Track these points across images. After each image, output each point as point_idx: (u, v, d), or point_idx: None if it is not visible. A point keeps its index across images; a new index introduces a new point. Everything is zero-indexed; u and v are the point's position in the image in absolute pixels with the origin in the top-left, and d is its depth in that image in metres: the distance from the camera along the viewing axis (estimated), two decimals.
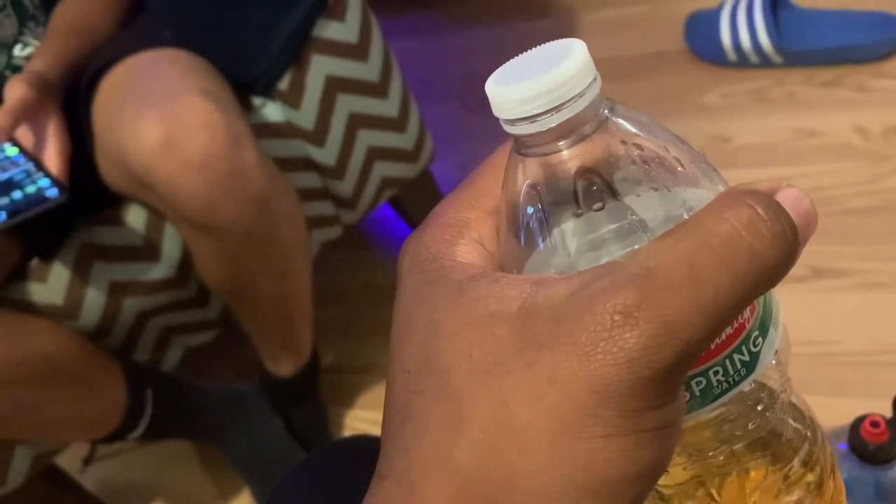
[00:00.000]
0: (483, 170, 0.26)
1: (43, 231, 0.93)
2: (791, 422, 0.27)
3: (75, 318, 0.96)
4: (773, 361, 0.24)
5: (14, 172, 0.82)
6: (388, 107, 1.03)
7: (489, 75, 0.24)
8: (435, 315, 0.22)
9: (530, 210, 0.24)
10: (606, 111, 0.24)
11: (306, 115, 0.99)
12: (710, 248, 0.20)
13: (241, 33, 0.95)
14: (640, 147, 0.24)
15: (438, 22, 1.76)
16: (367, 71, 1.00)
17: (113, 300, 0.97)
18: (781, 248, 0.20)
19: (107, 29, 0.96)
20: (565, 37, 0.25)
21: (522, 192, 0.24)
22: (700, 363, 0.23)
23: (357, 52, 0.98)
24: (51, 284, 0.94)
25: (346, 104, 1.00)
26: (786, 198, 0.21)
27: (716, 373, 0.23)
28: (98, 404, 0.97)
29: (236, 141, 0.84)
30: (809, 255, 1.17)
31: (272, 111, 0.99)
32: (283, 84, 0.97)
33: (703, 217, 0.21)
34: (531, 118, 0.23)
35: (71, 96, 0.90)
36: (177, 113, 0.82)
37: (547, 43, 0.24)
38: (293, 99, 0.98)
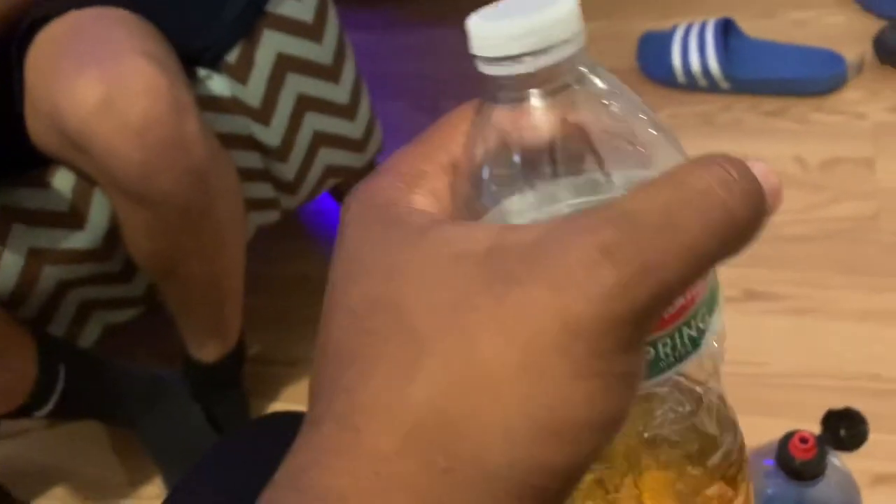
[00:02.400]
0: (440, 126, 0.25)
1: None
2: (707, 426, 0.27)
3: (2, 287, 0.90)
4: (715, 344, 0.24)
5: None
6: (338, 92, 1.01)
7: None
8: (391, 256, 0.21)
9: (499, 162, 0.23)
10: (586, 68, 0.23)
11: (253, 92, 0.96)
12: (686, 198, 0.20)
13: (193, 1, 0.92)
14: (616, 108, 0.23)
15: (394, 19, 1.75)
16: (321, 52, 0.97)
17: (31, 267, 0.92)
18: (751, 207, 0.20)
19: None
20: None
21: (491, 141, 0.23)
22: (652, 333, 0.22)
23: (311, 31, 0.96)
24: None
25: (296, 84, 0.97)
26: (754, 168, 0.21)
27: (664, 345, 0.23)
28: (5, 376, 0.92)
29: (179, 109, 0.81)
30: (743, 277, 1.19)
31: (218, 84, 0.95)
32: (232, 57, 0.94)
33: (679, 171, 0.21)
34: (516, 58, 0.22)
35: (1, 48, 0.85)
36: (119, 73, 0.78)
37: None
38: (241, 74, 0.95)
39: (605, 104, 0.23)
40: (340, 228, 0.23)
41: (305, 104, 0.99)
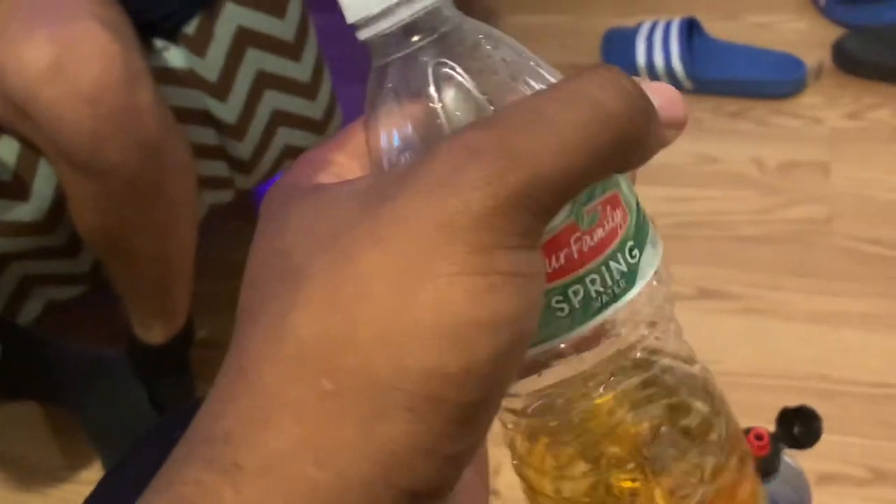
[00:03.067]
0: (352, 124, 0.25)
1: None
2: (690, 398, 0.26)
3: None
4: (655, 282, 0.24)
5: None
6: (299, 70, 0.98)
7: None
8: (284, 219, 0.21)
9: (397, 127, 0.23)
10: (457, 17, 0.23)
11: (211, 66, 0.93)
12: (553, 97, 0.20)
13: None
14: (490, 50, 0.23)
15: None
16: (283, 28, 0.95)
17: None
18: (626, 101, 0.20)
19: None
20: None
21: (384, 100, 0.23)
22: (574, 269, 0.22)
23: (273, 6, 0.93)
24: None
25: (255, 60, 0.95)
26: (647, 84, 0.21)
27: (592, 282, 0.22)
28: None
29: (132, 78, 0.78)
30: (697, 275, 1.20)
31: (174, 56, 0.92)
32: (190, 29, 0.91)
33: (552, 83, 0.21)
34: (386, 11, 0.22)
35: None
36: (70, 37, 0.75)
37: None
38: (199, 46, 0.92)
39: (483, 47, 0.23)
40: (259, 217, 0.23)
41: (265, 81, 0.96)
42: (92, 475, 1.07)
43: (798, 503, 0.74)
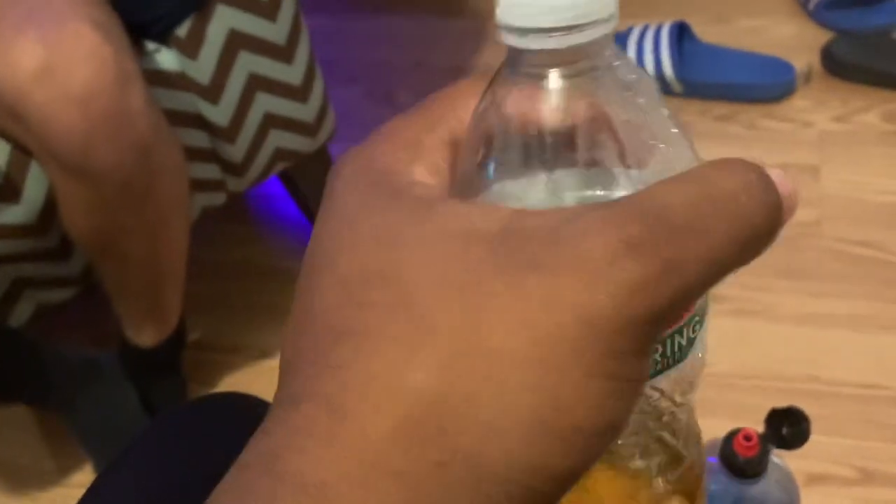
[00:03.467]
0: (440, 98, 0.23)
1: None
2: (675, 440, 0.26)
3: None
4: (700, 354, 0.23)
5: None
6: (291, 73, 0.98)
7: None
8: (393, 227, 0.19)
9: (508, 141, 0.21)
10: (612, 55, 0.22)
11: (202, 68, 0.93)
12: (713, 199, 0.19)
13: None
14: (641, 100, 0.22)
15: (352, 4, 1.72)
16: (275, 31, 0.95)
17: None
18: (770, 218, 0.20)
19: None
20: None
21: (505, 118, 0.21)
22: None
23: (266, 9, 0.93)
24: None
25: (247, 63, 0.95)
26: (771, 174, 0.21)
27: (654, 351, 0.22)
28: None
29: (124, 80, 0.78)
30: None
31: (166, 58, 0.92)
32: (182, 31, 0.91)
33: (704, 171, 0.20)
34: (547, 31, 0.20)
35: None
36: (61, 38, 0.75)
37: None
38: (190, 48, 0.92)
39: (628, 94, 0.22)
40: (329, 192, 0.21)
41: (257, 84, 0.97)
42: (83, 478, 1.07)
43: (787, 502, 0.74)
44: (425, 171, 0.22)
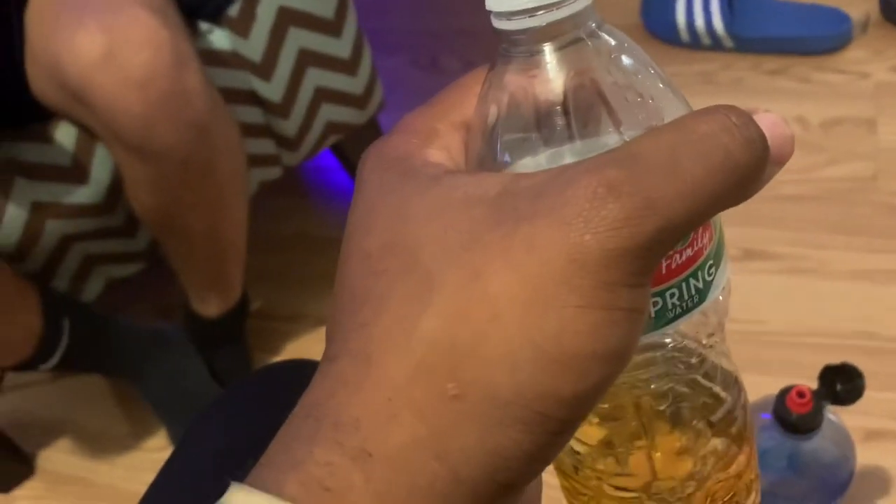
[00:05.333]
0: (453, 87, 0.25)
1: None
2: (711, 383, 0.27)
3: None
4: (720, 298, 0.25)
5: None
6: (340, 46, 1.00)
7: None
8: (405, 203, 0.22)
9: (512, 119, 0.23)
10: (595, 24, 0.23)
11: (254, 46, 0.95)
12: (689, 141, 0.21)
13: None
14: (627, 63, 0.24)
15: None
16: (323, 6, 0.96)
17: (34, 221, 0.92)
18: (751, 152, 0.21)
19: None
20: None
21: (504, 98, 0.24)
22: (660, 282, 0.23)
23: None
24: None
25: (297, 39, 0.97)
26: (761, 118, 0.22)
27: (672, 295, 0.23)
28: (10, 330, 0.93)
29: (181, 61, 0.80)
30: (741, 236, 1.19)
31: (219, 38, 0.94)
32: (233, 11, 0.93)
33: (683, 119, 0.21)
34: (529, 11, 0.22)
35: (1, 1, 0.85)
36: (120, 25, 0.78)
37: None
38: (242, 27, 0.94)
39: (614, 58, 0.23)
40: (357, 184, 0.24)
41: (307, 59, 0.98)
42: (157, 442, 1.12)
43: (842, 459, 0.75)
44: (438, 153, 0.24)
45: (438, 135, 0.24)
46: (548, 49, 0.23)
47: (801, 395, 0.68)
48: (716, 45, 1.36)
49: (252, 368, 1.14)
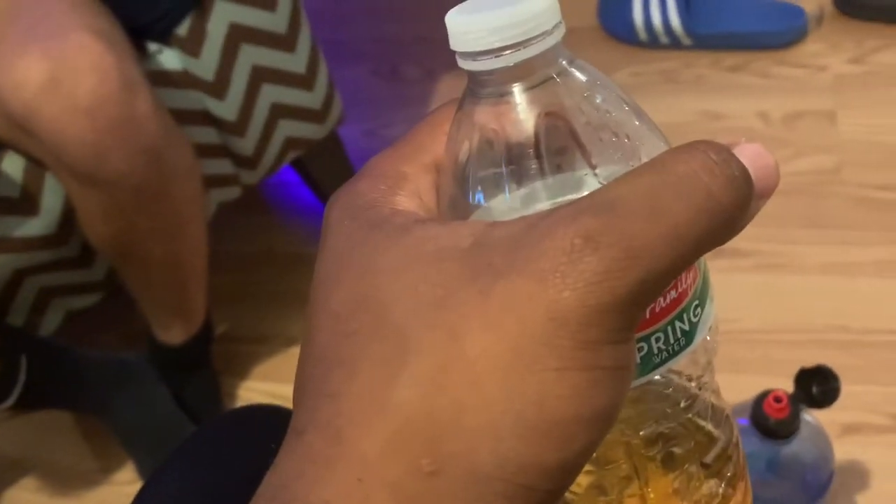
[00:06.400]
0: (420, 127, 0.24)
1: None
2: (703, 422, 0.26)
3: None
4: (707, 337, 0.24)
5: None
6: (295, 61, 0.98)
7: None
8: (373, 255, 0.21)
9: (482, 159, 0.22)
10: (565, 61, 0.23)
11: (206, 65, 0.93)
12: (669, 183, 0.19)
13: None
14: (599, 100, 0.23)
15: None
16: (274, 21, 0.94)
17: None
18: (734, 191, 0.20)
19: None
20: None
21: (474, 139, 0.23)
22: (644, 327, 0.22)
23: (264, 0, 0.92)
24: None
25: (250, 55, 0.94)
26: (742, 150, 0.21)
27: (657, 339, 0.22)
28: None
29: (129, 86, 0.78)
30: None
31: (169, 58, 0.92)
32: (182, 30, 0.91)
33: (661, 158, 0.20)
34: (496, 52, 0.21)
35: None
36: (64, 51, 0.75)
37: None
38: (193, 46, 0.91)
39: (587, 96, 0.23)
40: (323, 234, 0.23)
41: (261, 75, 0.96)
42: (125, 476, 1.09)
43: (821, 459, 0.75)
44: (407, 200, 0.23)
45: (407, 179, 0.23)
46: (517, 89, 0.22)
47: (777, 399, 0.67)
48: (674, 43, 1.36)
49: (220, 394, 1.11)
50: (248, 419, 0.50)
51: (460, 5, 0.23)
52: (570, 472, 0.19)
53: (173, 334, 1.02)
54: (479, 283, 0.19)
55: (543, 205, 0.22)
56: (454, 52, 0.22)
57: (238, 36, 0.93)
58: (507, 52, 0.21)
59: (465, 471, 0.18)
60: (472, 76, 0.22)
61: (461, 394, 0.18)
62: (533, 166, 0.22)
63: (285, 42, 0.96)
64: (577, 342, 0.18)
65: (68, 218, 0.91)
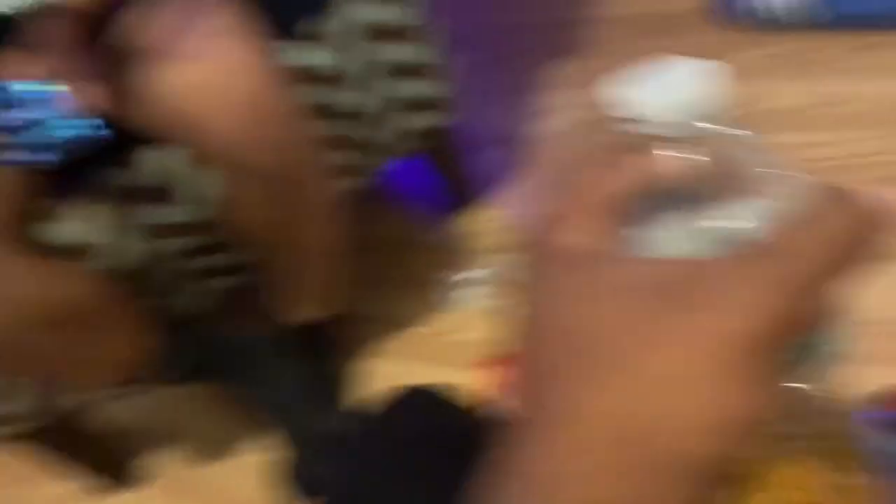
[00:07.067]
0: (589, 169, 0.29)
1: (70, 170, 0.92)
2: (824, 419, 0.29)
3: (105, 262, 0.95)
4: (827, 349, 0.28)
5: (60, 110, 0.80)
6: (422, 54, 1.02)
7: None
8: (571, 290, 0.26)
9: (648, 197, 0.28)
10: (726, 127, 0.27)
11: (339, 61, 0.97)
12: (820, 231, 0.24)
13: None
14: (741, 147, 0.27)
15: None
16: (404, 17, 0.98)
17: (143, 243, 0.96)
18: (854, 231, 0.25)
19: None
20: None
21: (640, 181, 0.28)
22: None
23: None
24: (79, 225, 0.93)
25: (380, 50, 0.99)
26: (866, 196, 0.25)
27: (787, 356, 0.25)
28: (123, 349, 0.97)
29: (272, 84, 0.83)
30: None
31: (307, 55, 0.97)
32: (320, 27, 0.96)
33: (810, 207, 0.25)
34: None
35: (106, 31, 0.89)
36: (213, 54, 0.81)
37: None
38: (326, 42, 0.96)
39: (745, 147, 0.27)
40: (530, 278, 0.28)
41: (391, 69, 1.00)
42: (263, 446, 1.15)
43: None
44: (588, 237, 0.28)
45: (586, 218, 0.28)
46: (679, 145, 0.27)
47: None
48: (810, 22, 1.31)
49: (352, 371, 1.16)
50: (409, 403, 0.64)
51: (629, 72, 0.28)
52: (728, 462, 0.24)
53: (312, 314, 1.08)
54: (666, 317, 0.24)
55: (707, 236, 0.27)
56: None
57: (369, 31, 0.97)
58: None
59: (643, 462, 0.24)
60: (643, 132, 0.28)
61: (666, 399, 0.24)
62: (695, 203, 0.27)
63: (414, 36, 1.00)
64: (745, 362, 0.23)
65: (219, 206, 0.97)
